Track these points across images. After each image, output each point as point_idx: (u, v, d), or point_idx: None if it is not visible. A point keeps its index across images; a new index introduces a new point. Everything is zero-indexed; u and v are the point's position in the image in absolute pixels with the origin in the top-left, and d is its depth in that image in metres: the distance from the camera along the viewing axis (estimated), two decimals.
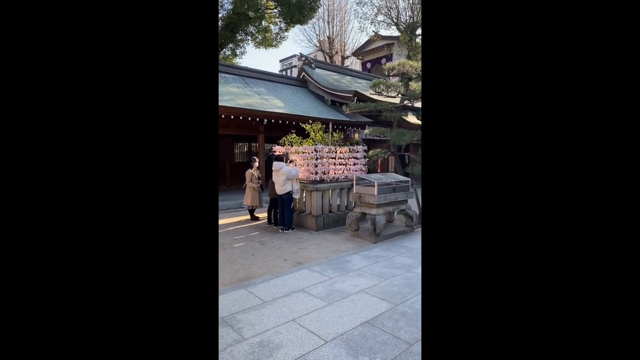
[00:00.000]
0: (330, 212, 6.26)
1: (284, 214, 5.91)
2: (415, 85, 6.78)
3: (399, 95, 6.79)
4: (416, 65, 6.63)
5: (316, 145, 6.17)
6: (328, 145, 6.41)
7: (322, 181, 6.13)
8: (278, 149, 6.69)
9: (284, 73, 27.52)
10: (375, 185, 5.12)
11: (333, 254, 4.59)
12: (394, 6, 19.88)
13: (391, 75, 6.91)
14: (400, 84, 6.70)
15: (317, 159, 6.06)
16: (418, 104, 7.75)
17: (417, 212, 6.01)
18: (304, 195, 6.29)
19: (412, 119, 13.22)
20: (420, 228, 5.94)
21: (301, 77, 14.20)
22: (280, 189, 5.74)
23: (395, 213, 5.93)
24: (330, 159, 6.33)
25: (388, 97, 6.86)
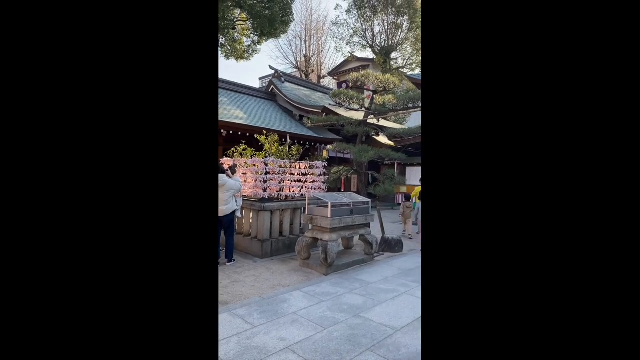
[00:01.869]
0: (281, 235, 5.43)
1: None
2: (380, 99, 6.27)
3: (363, 109, 6.23)
4: (381, 77, 6.14)
5: (266, 158, 5.40)
6: (283, 159, 5.66)
7: (271, 199, 5.32)
8: (226, 161, 5.85)
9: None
10: (329, 207, 4.39)
11: (271, 289, 3.74)
12: (369, 28, 20.13)
13: (354, 87, 6.37)
14: (363, 96, 6.16)
15: (266, 173, 5.28)
16: (387, 123, 7.25)
17: (378, 239, 5.30)
18: (251, 215, 5.44)
19: (382, 139, 12.86)
20: (381, 257, 5.22)
21: (270, 90, 13.61)
22: (222, 208, 4.73)
23: (357, 238, 5.20)
24: (285, 175, 5.57)
25: (351, 109, 6.28)
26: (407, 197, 7.17)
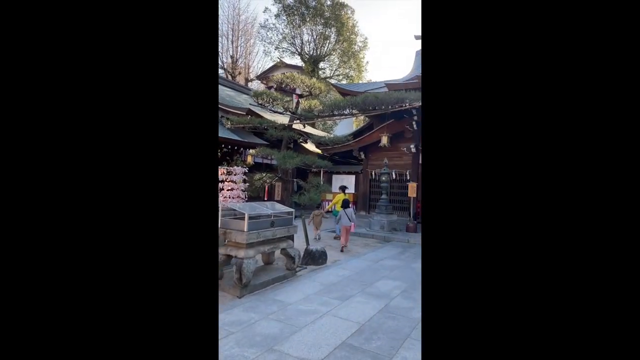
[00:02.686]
0: None
1: None
2: (306, 104, 6.01)
3: (288, 112, 5.87)
4: (308, 81, 5.88)
5: None
6: None
7: None
8: None
9: None
10: (246, 219, 3.87)
11: None
12: (299, 36, 20.18)
13: (279, 89, 5.99)
14: (288, 98, 5.82)
15: None
16: (314, 131, 7.03)
17: (301, 252, 4.95)
18: None
19: (310, 146, 12.75)
20: (304, 270, 4.87)
21: None
22: None
23: (279, 252, 4.74)
24: None
25: (276, 112, 5.87)
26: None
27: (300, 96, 6.01)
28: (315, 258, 5.26)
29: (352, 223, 6.50)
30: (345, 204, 6.65)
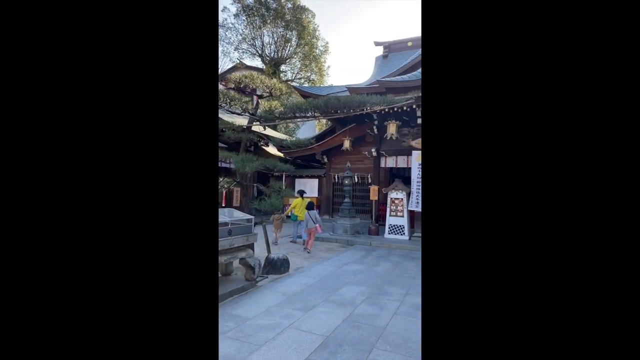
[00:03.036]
0: None
1: None
2: (266, 105, 5.77)
3: (247, 113, 5.59)
4: (268, 82, 5.65)
5: None
6: None
7: None
8: None
9: None
10: None
11: None
12: (259, 37, 19.78)
13: (237, 89, 5.69)
14: (247, 99, 5.54)
15: None
16: (275, 133, 6.80)
17: (261, 261, 4.69)
18: None
19: (272, 150, 12.46)
20: (265, 280, 4.61)
21: None
22: None
23: (237, 262, 4.43)
24: None
25: (234, 113, 5.56)
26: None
27: (260, 97, 5.77)
28: (277, 266, 5.02)
29: (317, 224, 6.56)
30: (309, 207, 6.76)
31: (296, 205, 7.63)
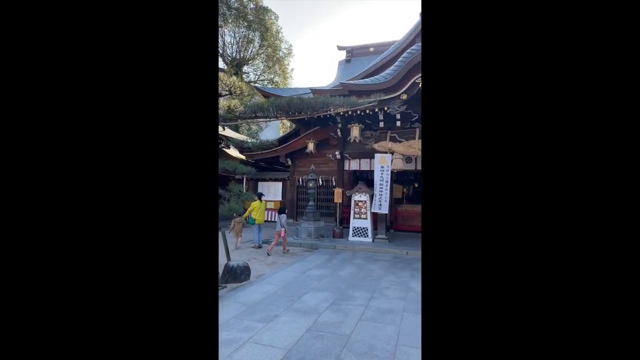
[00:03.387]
0: None
1: None
2: (225, 104, 5.45)
3: None
4: (227, 80, 5.34)
5: None
6: None
7: None
8: None
9: None
10: None
11: None
12: (220, 36, 19.12)
13: None
14: None
15: None
16: (236, 135, 6.47)
17: (220, 270, 4.37)
18: None
19: (234, 152, 11.98)
20: (224, 290, 4.30)
21: None
22: None
23: None
24: None
25: None
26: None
27: (219, 95, 5.43)
28: (237, 274, 4.72)
29: (283, 228, 6.73)
30: (281, 210, 7.02)
31: (254, 208, 7.38)
